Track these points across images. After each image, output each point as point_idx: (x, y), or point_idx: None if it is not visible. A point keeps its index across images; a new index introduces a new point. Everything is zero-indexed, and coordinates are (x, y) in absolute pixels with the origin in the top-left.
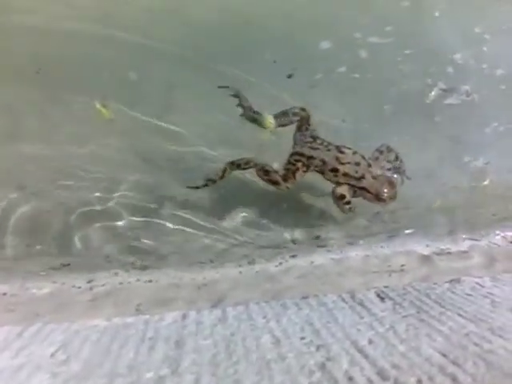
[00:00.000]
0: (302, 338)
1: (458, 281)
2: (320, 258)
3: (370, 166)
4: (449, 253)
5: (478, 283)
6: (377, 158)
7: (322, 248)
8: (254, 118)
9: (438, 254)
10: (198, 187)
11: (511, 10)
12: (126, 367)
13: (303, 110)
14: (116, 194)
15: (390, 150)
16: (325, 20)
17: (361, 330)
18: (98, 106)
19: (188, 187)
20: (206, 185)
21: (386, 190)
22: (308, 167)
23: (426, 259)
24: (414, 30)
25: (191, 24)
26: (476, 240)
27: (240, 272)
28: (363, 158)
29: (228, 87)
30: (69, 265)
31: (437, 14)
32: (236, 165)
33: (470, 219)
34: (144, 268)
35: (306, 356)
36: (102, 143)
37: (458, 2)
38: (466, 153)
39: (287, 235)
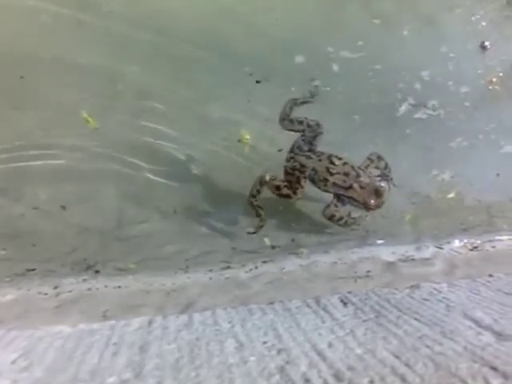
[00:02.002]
0: (265, 343)
1: (417, 286)
2: (290, 264)
3: (358, 176)
4: (413, 259)
5: (435, 289)
6: (367, 166)
7: (293, 254)
8: (284, 109)
9: (402, 261)
10: (255, 232)
11: (475, 31)
12: (88, 372)
13: (318, 125)
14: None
15: (380, 158)
16: (299, 35)
17: (322, 334)
18: (84, 115)
19: (249, 233)
20: (260, 227)
21: (372, 200)
22: (302, 174)
23: (390, 265)
24: (384, 47)
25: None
26: (439, 248)
27: (210, 278)
28: (353, 168)
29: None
30: (34, 270)
31: (405, 32)
32: (256, 193)
33: (435, 228)
34: (114, 273)
35: (266, 359)
36: (88, 153)
37: (425, 22)
38: (434, 165)
39: (266, 240)
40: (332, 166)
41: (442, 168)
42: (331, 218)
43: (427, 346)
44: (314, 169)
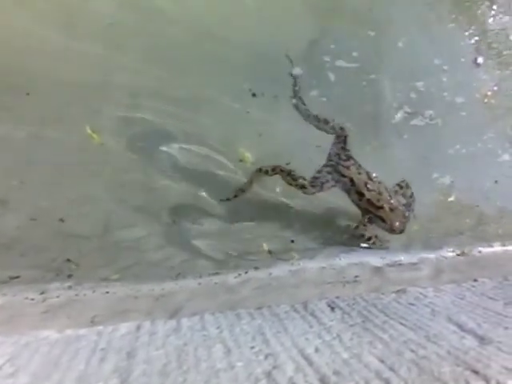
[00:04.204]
0: (252, 348)
1: (403, 291)
2: (278, 269)
3: (390, 198)
4: (400, 264)
5: (421, 293)
6: (396, 192)
7: (282, 260)
8: (299, 108)
9: (390, 266)
10: (229, 199)
11: (468, 46)
12: (74, 379)
13: (342, 128)
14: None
15: (408, 186)
16: (297, 47)
17: (309, 339)
18: (88, 131)
19: (221, 200)
20: (236, 196)
21: (397, 224)
22: (336, 183)
23: (378, 270)
24: (379, 58)
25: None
26: (427, 253)
27: (199, 283)
28: (386, 189)
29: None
30: (18, 277)
31: (400, 44)
32: (264, 171)
33: (426, 233)
34: (102, 279)
35: (254, 364)
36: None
37: (419, 36)
38: (433, 170)
39: (264, 245)
40: (370, 182)
41: (441, 172)
42: (361, 236)
43: (412, 351)
44: (352, 180)
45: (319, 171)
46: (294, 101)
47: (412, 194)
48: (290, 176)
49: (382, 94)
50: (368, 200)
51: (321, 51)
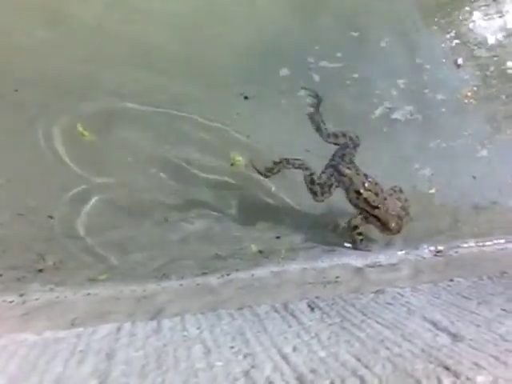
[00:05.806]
0: (232, 347)
1: (382, 291)
2: (260, 270)
3: (385, 199)
4: (380, 265)
5: (399, 293)
6: (390, 195)
7: (269, 259)
8: (318, 125)
9: (370, 266)
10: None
11: (449, 47)
12: (53, 381)
13: (357, 137)
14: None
15: (401, 191)
16: (282, 49)
17: (287, 338)
18: (79, 128)
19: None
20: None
21: (393, 224)
22: (338, 183)
23: (358, 271)
24: (362, 57)
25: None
26: (406, 253)
27: (181, 284)
28: (382, 190)
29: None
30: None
31: (383, 44)
32: (291, 163)
33: (406, 233)
34: (83, 281)
35: (233, 364)
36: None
37: (401, 36)
38: (415, 161)
39: (252, 246)
40: (367, 182)
41: (422, 164)
42: (354, 228)
43: (387, 348)
44: (351, 179)
45: (322, 174)
46: (316, 119)
47: (406, 198)
48: (310, 178)
49: (364, 92)
50: (365, 199)
51: (306, 53)
